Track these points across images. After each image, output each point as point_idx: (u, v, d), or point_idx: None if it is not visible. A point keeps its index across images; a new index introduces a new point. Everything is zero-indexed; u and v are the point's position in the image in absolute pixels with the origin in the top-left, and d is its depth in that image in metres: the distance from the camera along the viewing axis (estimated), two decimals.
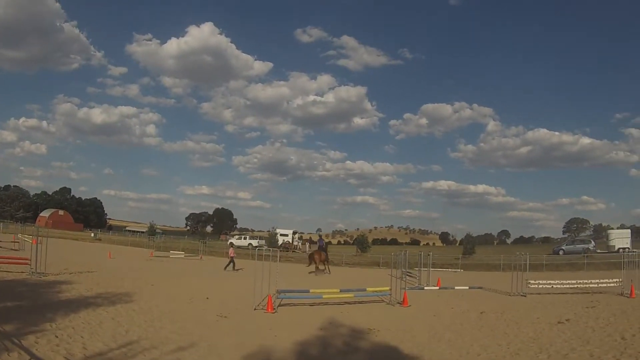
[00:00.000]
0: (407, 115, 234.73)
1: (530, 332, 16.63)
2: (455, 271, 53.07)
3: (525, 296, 26.90)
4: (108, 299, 20.66)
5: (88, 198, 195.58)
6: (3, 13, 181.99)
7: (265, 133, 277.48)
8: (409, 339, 15.63)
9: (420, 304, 24.10)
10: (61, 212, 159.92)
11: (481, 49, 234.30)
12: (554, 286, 28.36)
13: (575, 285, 28.60)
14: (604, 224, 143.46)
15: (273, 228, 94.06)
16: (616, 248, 66.93)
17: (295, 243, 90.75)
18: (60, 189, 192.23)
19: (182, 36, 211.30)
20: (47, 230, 44.34)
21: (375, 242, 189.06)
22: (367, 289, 25.16)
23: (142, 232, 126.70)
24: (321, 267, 44.93)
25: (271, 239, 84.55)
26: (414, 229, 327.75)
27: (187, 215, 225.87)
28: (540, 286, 28.10)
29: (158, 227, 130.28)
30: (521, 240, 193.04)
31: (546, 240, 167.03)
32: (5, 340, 11.96)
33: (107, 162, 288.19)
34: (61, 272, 29.05)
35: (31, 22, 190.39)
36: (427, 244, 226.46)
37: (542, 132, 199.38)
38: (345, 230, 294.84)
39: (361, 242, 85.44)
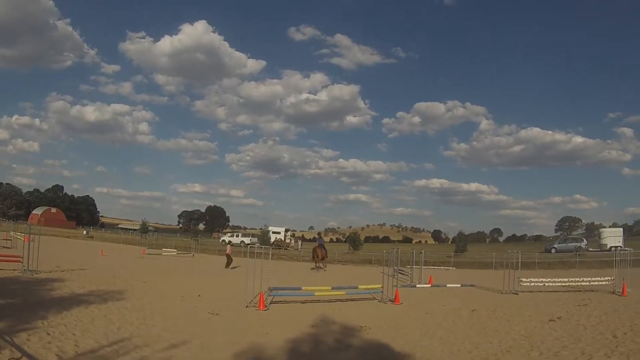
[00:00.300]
0: (400, 114, 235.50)
1: (522, 329, 16.66)
2: (447, 269, 53.02)
3: (517, 294, 26.95)
4: (100, 296, 20.64)
5: (80, 196, 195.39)
6: None
7: (258, 131, 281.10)
8: (400, 337, 15.64)
9: (412, 301, 24.15)
10: (53, 210, 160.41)
11: (475, 48, 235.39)
12: (546, 284, 28.43)
13: (567, 284, 28.68)
14: (596, 223, 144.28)
15: (265, 226, 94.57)
16: (608, 246, 67.29)
17: (287, 241, 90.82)
18: (52, 186, 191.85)
19: (176, 34, 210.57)
20: (40, 227, 44.32)
21: (368, 239, 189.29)
22: (359, 286, 25.18)
23: (135, 230, 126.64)
24: (321, 264, 46.91)
25: (263, 237, 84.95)
26: (406, 226, 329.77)
27: (179, 213, 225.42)
28: (532, 284, 28.11)
29: (150, 224, 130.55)
30: (513, 239, 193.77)
31: (538, 238, 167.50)
32: None
33: (100, 160, 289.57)
34: (53, 270, 28.98)
35: (24, 20, 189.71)
36: (420, 241, 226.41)
37: (535, 131, 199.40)
38: (338, 228, 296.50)
39: (353, 240, 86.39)
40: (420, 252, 39.78)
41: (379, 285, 24.46)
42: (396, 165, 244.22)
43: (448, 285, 31.48)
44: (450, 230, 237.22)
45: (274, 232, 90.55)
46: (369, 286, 25.18)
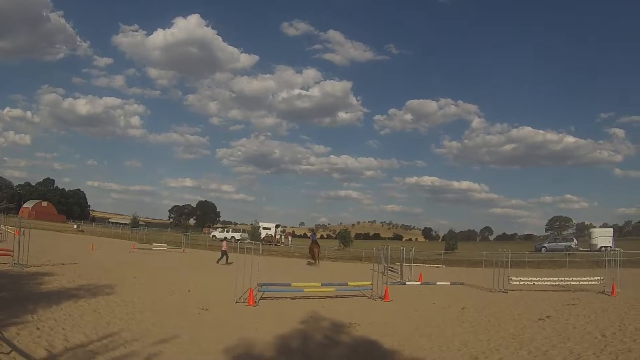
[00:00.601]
0: (392, 111, 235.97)
1: (511, 328, 16.75)
2: (438, 267, 53.21)
3: (506, 292, 27.06)
4: (90, 290, 20.60)
5: (71, 189, 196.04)
6: None
7: (250, 126, 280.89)
8: (389, 334, 15.70)
9: (402, 299, 24.20)
10: (44, 204, 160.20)
11: (467, 46, 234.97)
12: (536, 283, 28.44)
13: (557, 283, 28.74)
14: (586, 223, 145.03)
15: (256, 221, 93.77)
16: (598, 246, 67.56)
17: (278, 236, 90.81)
18: (43, 179, 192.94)
19: (169, 27, 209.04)
20: (30, 221, 43.98)
21: (358, 236, 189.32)
22: (349, 283, 25.26)
23: (125, 224, 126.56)
24: (312, 260, 49.01)
25: (254, 232, 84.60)
26: (396, 224, 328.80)
27: (170, 208, 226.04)
28: (522, 283, 28.14)
29: (141, 219, 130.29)
30: (504, 237, 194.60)
31: (529, 237, 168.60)
32: None
33: (91, 153, 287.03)
34: (43, 264, 28.87)
35: (17, 11, 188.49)
36: (410, 239, 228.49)
37: (527, 130, 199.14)
38: (329, 224, 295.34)
39: (344, 237, 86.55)
40: (411, 250, 39.69)
41: (369, 282, 24.46)
42: (387, 162, 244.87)
43: (438, 283, 31.43)
44: (440, 228, 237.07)
45: (264, 228, 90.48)
46: (359, 283, 25.23)
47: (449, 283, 31.83)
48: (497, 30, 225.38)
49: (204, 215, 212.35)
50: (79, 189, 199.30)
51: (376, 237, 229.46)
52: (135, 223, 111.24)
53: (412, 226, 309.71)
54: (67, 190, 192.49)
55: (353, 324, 17.16)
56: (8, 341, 11.29)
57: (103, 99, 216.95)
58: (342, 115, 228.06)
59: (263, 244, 39.92)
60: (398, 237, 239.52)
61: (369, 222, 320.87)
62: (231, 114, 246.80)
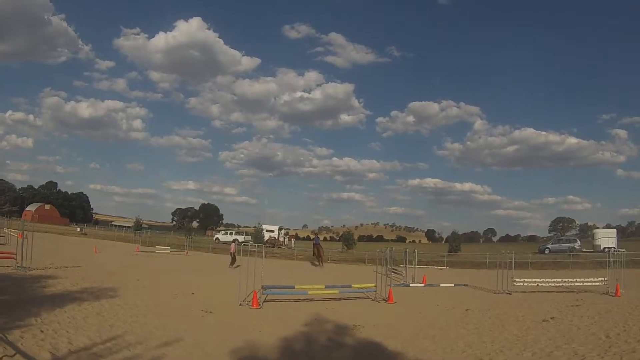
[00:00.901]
0: (394, 113, 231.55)
1: (515, 329, 16.72)
2: (441, 268, 52.89)
3: (510, 294, 26.99)
4: (93, 293, 20.62)
5: (74, 192, 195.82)
6: None
7: (252, 129, 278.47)
8: (393, 336, 15.69)
9: (406, 300, 24.17)
10: (47, 207, 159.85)
11: (469, 47, 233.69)
12: (539, 284, 28.42)
13: (561, 284, 28.69)
14: (589, 224, 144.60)
15: (259, 224, 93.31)
16: (602, 247, 66.91)
17: (281, 239, 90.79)
18: (46, 183, 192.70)
19: (170, 30, 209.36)
20: (33, 224, 44.07)
21: (361, 238, 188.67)
22: (353, 285, 25.16)
23: (128, 227, 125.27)
24: (317, 262, 51.31)
25: (257, 235, 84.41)
26: (400, 226, 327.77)
27: (173, 211, 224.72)
28: (526, 284, 28.12)
29: (144, 222, 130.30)
30: (507, 239, 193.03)
31: (532, 238, 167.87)
32: None
33: (94, 157, 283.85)
34: (47, 267, 28.88)
35: (18, 14, 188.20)
36: (413, 241, 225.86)
37: (529, 132, 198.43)
38: (332, 226, 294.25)
39: (347, 239, 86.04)
40: (414, 252, 39.85)
41: (373, 284, 24.56)
42: (390, 164, 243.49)
43: (441, 285, 31.38)
44: (443, 229, 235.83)
45: (267, 231, 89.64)
46: (363, 285, 25.19)
47: (453, 285, 31.76)
48: (498, 31, 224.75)
49: (207, 218, 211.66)
50: (81, 192, 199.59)
51: (379, 239, 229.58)
52: (138, 226, 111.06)
53: (415, 228, 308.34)
54: (70, 193, 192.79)
55: (357, 326, 17.16)
56: (12, 344, 11.29)
57: (105, 102, 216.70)
58: (345, 117, 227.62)
59: (266, 247, 39.90)
60: (401, 239, 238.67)
61: (372, 224, 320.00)
62: (233, 116, 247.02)
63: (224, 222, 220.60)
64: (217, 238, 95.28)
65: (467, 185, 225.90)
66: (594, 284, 28.06)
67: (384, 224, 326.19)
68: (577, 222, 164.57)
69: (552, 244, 75.55)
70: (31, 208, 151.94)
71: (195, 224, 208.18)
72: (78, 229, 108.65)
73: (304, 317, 18.38)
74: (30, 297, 18.70)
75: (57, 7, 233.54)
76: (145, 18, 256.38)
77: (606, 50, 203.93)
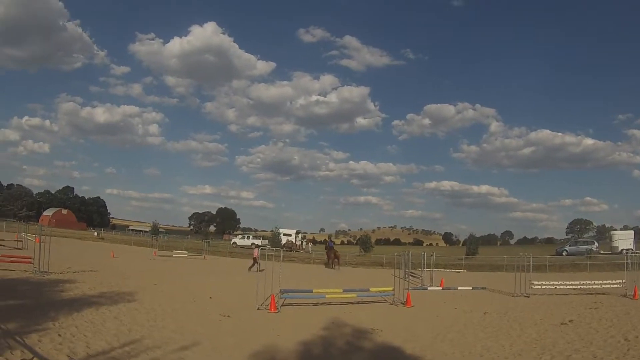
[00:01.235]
0: (410, 116, 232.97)
1: (533, 333, 16.63)
2: (459, 272, 52.58)
3: (528, 297, 26.83)
4: (111, 298, 20.64)
5: (91, 197, 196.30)
6: (5, 12, 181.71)
7: (268, 133, 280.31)
8: (412, 339, 15.61)
9: (424, 304, 24.04)
10: (64, 211, 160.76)
11: (484, 49, 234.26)
12: (557, 287, 28.17)
13: (579, 287, 28.40)
14: (607, 225, 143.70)
15: (276, 228, 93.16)
16: (619, 249, 66.30)
17: (298, 243, 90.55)
18: (63, 187, 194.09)
19: (185, 35, 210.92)
20: (50, 229, 44.11)
21: (379, 242, 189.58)
22: (370, 289, 25.06)
23: (145, 232, 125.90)
24: (332, 265, 52.68)
25: (274, 239, 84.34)
26: (417, 229, 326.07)
27: (190, 215, 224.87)
28: (544, 287, 28.00)
29: (161, 226, 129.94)
30: (524, 241, 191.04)
31: (549, 241, 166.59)
32: (8, 338, 11.98)
33: (110, 161, 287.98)
34: (64, 271, 28.95)
35: (34, 21, 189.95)
36: (430, 244, 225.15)
37: (545, 133, 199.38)
38: (349, 230, 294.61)
39: (364, 242, 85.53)
40: (431, 255, 39.56)
41: (391, 288, 24.39)
42: (406, 167, 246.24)
43: (459, 288, 31.15)
44: (461, 232, 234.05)
45: (285, 235, 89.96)
46: (381, 289, 25.05)
47: (471, 288, 31.54)
48: (513, 32, 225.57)
49: (224, 222, 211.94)
50: (98, 197, 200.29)
51: (396, 242, 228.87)
52: (155, 230, 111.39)
53: (432, 231, 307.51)
54: (86, 198, 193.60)
55: (375, 329, 17.09)
56: (30, 348, 11.36)
57: (121, 107, 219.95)
58: (360, 120, 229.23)
59: (284, 251, 39.83)
60: (418, 243, 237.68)
61: (389, 227, 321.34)
62: (249, 121, 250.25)
63: (241, 226, 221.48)
64: (234, 242, 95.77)
65: (484, 188, 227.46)
66: (611, 286, 27.93)
67: (401, 227, 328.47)
68: (594, 224, 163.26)
69: (569, 246, 75.08)
70: (48, 213, 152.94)
71: (212, 228, 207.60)
72: (95, 234, 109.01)
73: (322, 321, 18.33)
74: (48, 301, 18.74)
75: (72, 13, 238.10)
76: (160, 23, 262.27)
77: (622, 50, 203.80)
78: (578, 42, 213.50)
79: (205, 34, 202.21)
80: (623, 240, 69.92)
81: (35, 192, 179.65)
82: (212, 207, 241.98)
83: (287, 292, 22.25)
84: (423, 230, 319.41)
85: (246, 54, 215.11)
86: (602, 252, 67.78)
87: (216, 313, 19.04)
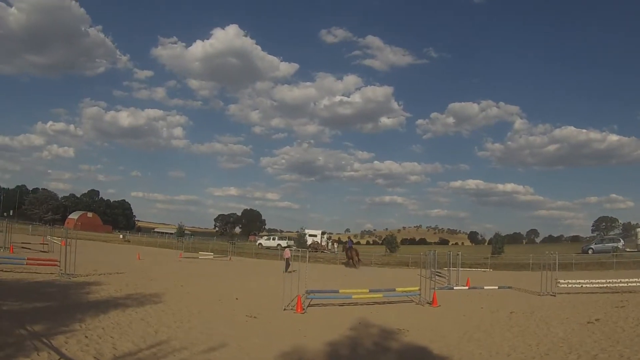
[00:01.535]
0: (434, 115, 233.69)
1: (560, 332, 16.51)
2: (484, 271, 52.25)
3: (554, 296, 26.66)
4: (137, 299, 20.82)
5: (116, 200, 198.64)
6: (28, 19, 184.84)
7: (292, 134, 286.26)
8: (438, 339, 15.60)
9: (450, 304, 24.01)
10: (90, 214, 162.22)
11: (506, 46, 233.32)
12: (584, 285, 28.04)
13: (605, 285, 28.19)
14: (633, 222, 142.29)
15: (302, 229, 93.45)
16: None
17: (324, 243, 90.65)
18: (88, 191, 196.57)
19: (207, 39, 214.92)
20: (76, 232, 44.46)
21: (404, 242, 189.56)
22: (397, 289, 25.08)
23: (171, 234, 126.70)
24: (351, 265, 53.09)
25: (300, 240, 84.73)
26: (442, 228, 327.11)
27: (215, 217, 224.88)
28: (570, 286, 27.84)
29: (187, 228, 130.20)
30: (550, 239, 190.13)
31: (575, 239, 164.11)
32: (35, 340, 12.11)
33: (135, 165, 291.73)
34: (90, 274, 29.16)
35: (56, 27, 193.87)
36: (456, 243, 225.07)
37: (570, 130, 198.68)
38: (374, 230, 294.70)
39: (390, 242, 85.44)
40: (457, 254, 39.35)
41: (417, 288, 24.35)
42: (431, 166, 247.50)
43: (485, 287, 30.97)
44: (486, 231, 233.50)
45: (310, 235, 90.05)
46: (407, 289, 25.04)
47: (497, 287, 31.28)
48: (535, 29, 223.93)
49: (250, 223, 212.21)
50: (124, 200, 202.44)
51: (422, 242, 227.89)
52: (181, 232, 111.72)
53: (458, 230, 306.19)
54: (112, 201, 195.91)
55: (402, 329, 17.10)
56: (57, 349, 11.47)
57: (145, 111, 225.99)
58: (385, 120, 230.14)
59: (310, 251, 39.87)
60: (444, 242, 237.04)
61: (414, 227, 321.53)
62: (273, 122, 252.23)
63: (267, 227, 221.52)
64: (260, 243, 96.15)
65: (509, 186, 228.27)
66: (638, 284, 27.56)
67: (427, 227, 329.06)
68: (620, 221, 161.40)
69: (595, 244, 74.02)
70: (74, 216, 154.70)
71: (237, 229, 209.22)
72: (121, 236, 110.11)
73: (348, 322, 18.38)
74: (74, 303, 18.90)
75: (94, 19, 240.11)
76: (182, 27, 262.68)
77: None
78: (601, 38, 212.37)
79: (228, 37, 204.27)
80: None
81: (60, 195, 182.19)
82: (238, 208, 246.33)
83: (314, 292, 22.33)
84: (449, 229, 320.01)
85: (269, 55, 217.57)
86: (628, 249, 66.55)
87: (243, 314, 19.13)
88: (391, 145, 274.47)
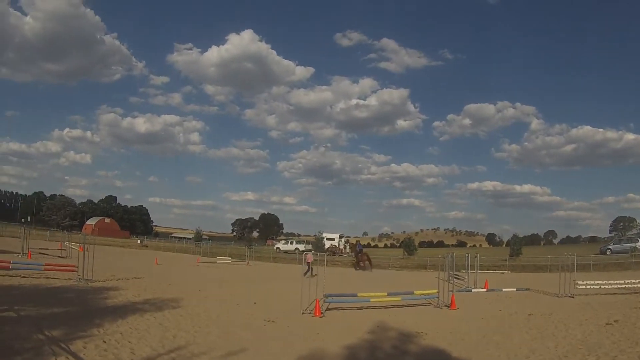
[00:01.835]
0: (450, 116, 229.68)
1: (579, 333, 16.44)
2: (502, 273, 52.09)
3: (573, 297, 26.50)
4: (155, 304, 20.86)
5: (134, 206, 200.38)
6: (43, 28, 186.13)
7: (309, 138, 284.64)
8: (457, 342, 15.57)
9: (468, 306, 23.99)
10: (107, 220, 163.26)
11: (520, 47, 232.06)
12: (602, 287, 27.81)
13: (623, 286, 28.00)
14: None
15: (319, 232, 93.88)
16: None
17: (342, 247, 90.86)
18: (105, 197, 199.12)
19: (223, 44, 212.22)
20: (94, 237, 44.89)
21: (422, 244, 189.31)
22: (415, 292, 25.02)
23: (189, 239, 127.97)
24: (363, 265, 53.56)
25: (318, 244, 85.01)
26: (460, 230, 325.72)
27: (233, 221, 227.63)
28: (588, 287, 27.60)
29: (204, 233, 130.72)
30: (568, 240, 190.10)
31: (593, 239, 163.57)
32: (53, 345, 12.17)
33: (152, 170, 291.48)
34: (108, 279, 29.30)
35: (72, 35, 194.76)
36: (474, 245, 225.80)
37: (586, 129, 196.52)
38: (392, 233, 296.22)
39: (408, 245, 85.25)
40: (475, 256, 39.01)
41: (435, 291, 24.29)
42: (448, 168, 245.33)
43: (504, 290, 30.85)
44: (504, 233, 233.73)
45: (328, 239, 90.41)
46: (425, 292, 24.99)
47: (515, 289, 31.15)
48: (550, 29, 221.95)
49: (267, 227, 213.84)
50: (141, 205, 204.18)
51: (440, 244, 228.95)
52: (198, 237, 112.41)
53: (475, 232, 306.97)
54: (129, 206, 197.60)
55: (420, 333, 17.06)
56: (75, 354, 11.56)
57: (162, 116, 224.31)
58: (401, 123, 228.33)
59: (327, 255, 39.87)
60: (462, 244, 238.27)
61: (432, 229, 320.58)
62: (290, 126, 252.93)
63: (284, 231, 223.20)
64: (277, 247, 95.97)
65: (527, 187, 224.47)
66: None
67: (444, 229, 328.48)
68: (638, 221, 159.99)
69: (613, 244, 73.37)
70: (91, 222, 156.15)
71: (255, 234, 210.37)
72: (138, 241, 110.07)
73: (367, 325, 18.34)
74: (92, 308, 18.99)
75: (109, 26, 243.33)
76: (197, 33, 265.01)
77: None
78: (617, 37, 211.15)
79: (243, 42, 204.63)
80: None
81: (78, 202, 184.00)
82: (255, 213, 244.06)
83: (332, 296, 22.30)
84: (466, 231, 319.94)
85: (285, 60, 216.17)
86: None
87: (261, 318, 19.12)
88: (408, 148, 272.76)
